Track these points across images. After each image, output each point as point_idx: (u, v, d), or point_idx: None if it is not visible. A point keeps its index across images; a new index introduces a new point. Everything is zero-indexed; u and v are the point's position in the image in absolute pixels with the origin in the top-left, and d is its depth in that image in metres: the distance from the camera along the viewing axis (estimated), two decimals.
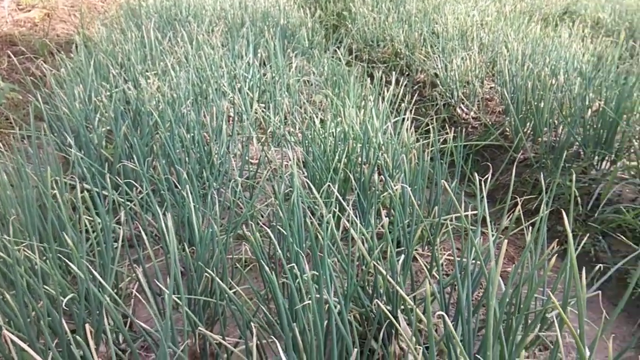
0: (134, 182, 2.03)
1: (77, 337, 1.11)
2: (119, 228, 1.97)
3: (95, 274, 1.36)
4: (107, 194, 1.96)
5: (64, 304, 1.31)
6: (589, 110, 2.92)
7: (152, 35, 3.42)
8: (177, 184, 2.02)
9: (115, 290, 1.73)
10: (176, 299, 1.45)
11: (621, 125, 2.66)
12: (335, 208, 1.95)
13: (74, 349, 1.16)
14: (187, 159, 2.13)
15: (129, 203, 1.96)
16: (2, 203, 1.71)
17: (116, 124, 2.33)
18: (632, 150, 2.67)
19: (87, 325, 1.20)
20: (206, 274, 1.57)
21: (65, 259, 1.61)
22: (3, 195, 1.71)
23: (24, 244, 1.55)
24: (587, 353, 0.99)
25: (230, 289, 1.56)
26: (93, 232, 1.75)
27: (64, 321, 1.23)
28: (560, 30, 4.32)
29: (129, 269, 1.88)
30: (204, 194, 2.12)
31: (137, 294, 1.78)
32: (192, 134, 2.30)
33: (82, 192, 1.83)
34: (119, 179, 2.01)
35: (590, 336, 1.48)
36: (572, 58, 3.58)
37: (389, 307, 1.54)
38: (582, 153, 2.78)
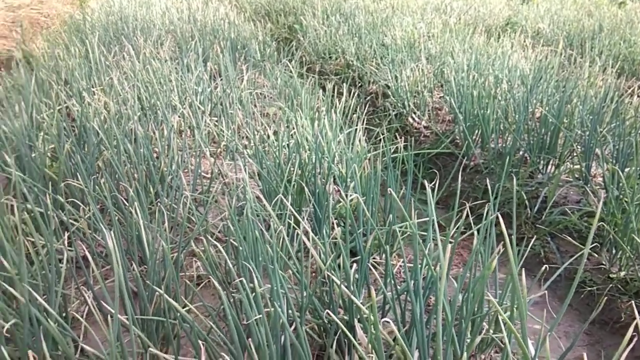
0: (79, 202, 1.96)
1: None
2: (67, 249, 1.89)
3: (39, 297, 1.29)
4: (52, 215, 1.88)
5: (5, 330, 1.24)
6: (533, 116, 3.05)
7: (97, 50, 3.33)
8: (125, 201, 1.95)
9: (63, 315, 1.65)
10: (126, 321, 1.39)
11: (563, 130, 2.78)
12: (291, 220, 1.94)
13: None
14: (135, 174, 2.07)
15: (75, 223, 1.88)
16: None
17: (60, 142, 2.24)
18: (574, 154, 2.79)
19: (30, 352, 1.14)
20: (158, 293, 1.52)
21: (5, 284, 1.53)
22: None
23: None
24: (532, 351, 1.02)
25: (184, 307, 1.52)
26: (38, 254, 1.67)
27: (3, 349, 1.16)
28: (503, 41, 4.50)
29: (77, 291, 1.80)
30: (155, 211, 2.07)
31: (87, 318, 1.71)
32: (140, 150, 2.24)
33: (24, 212, 1.74)
34: (63, 199, 1.93)
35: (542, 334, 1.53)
36: (515, 67, 3.73)
37: (346, 317, 1.54)
38: (528, 158, 2.89)
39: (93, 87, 2.94)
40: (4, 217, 1.70)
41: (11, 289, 1.26)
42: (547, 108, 2.90)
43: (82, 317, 1.77)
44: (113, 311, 1.40)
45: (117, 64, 3.34)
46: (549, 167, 2.85)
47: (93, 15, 4.83)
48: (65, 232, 1.95)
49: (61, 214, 1.89)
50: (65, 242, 1.58)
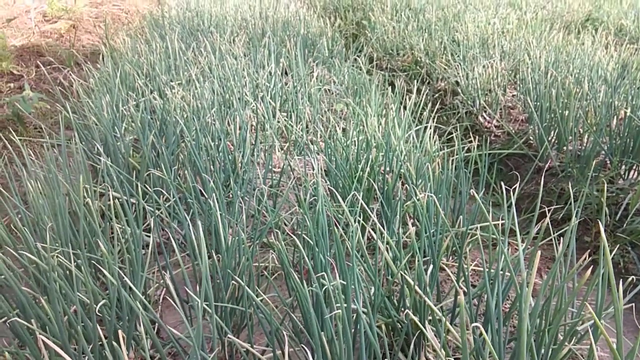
0: (161, 190, 2.06)
1: (113, 343, 1.13)
2: (147, 235, 2.00)
3: (127, 280, 1.38)
4: (135, 202, 1.99)
5: (97, 310, 1.33)
6: (615, 118, 2.89)
7: (177, 46, 3.48)
8: (203, 191, 2.04)
9: (144, 297, 1.75)
10: (205, 306, 1.46)
11: None
12: (360, 217, 1.95)
13: (108, 354, 1.18)
14: (212, 167, 2.15)
15: (156, 211, 1.98)
16: (35, 210, 1.75)
17: (143, 133, 2.37)
18: None
19: (120, 332, 1.22)
20: (233, 281, 1.59)
21: (96, 265, 1.64)
22: (36, 203, 1.75)
23: (57, 251, 1.59)
24: None
25: (257, 296, 1.57)
26: (123, 239, 1.77)
27: (98, 327, 1.25)
28: (583, 38, 4.28)
29: (157, 275, 1.91)
30: (229, 202, 2.14)
31: (166, 300, 1.81)
32: (216, 143, 2.33)
33: (111, 200, 1.86)
34: (147, 187, 2.04)
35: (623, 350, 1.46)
36: (596, 66, 3.54)
37: (416, 318, 1.54)
38: (608, 162, 2.74)
39: (172, 81, 3.08)
40: (94, 203, 1.82)
41: (105, 271, 1.36)
42: (630, 109, 2.73)
43: (158, 300, 1.87)
44: (193, 295, 1.47)
45: (195, 59, 3.48)
46: (632, 172, 2.69)
47: (171, 12, 5.04)
48: (146, 219, 2.07)
49: (143, 202, 2.00)
50: (152, 227, 1.68)
